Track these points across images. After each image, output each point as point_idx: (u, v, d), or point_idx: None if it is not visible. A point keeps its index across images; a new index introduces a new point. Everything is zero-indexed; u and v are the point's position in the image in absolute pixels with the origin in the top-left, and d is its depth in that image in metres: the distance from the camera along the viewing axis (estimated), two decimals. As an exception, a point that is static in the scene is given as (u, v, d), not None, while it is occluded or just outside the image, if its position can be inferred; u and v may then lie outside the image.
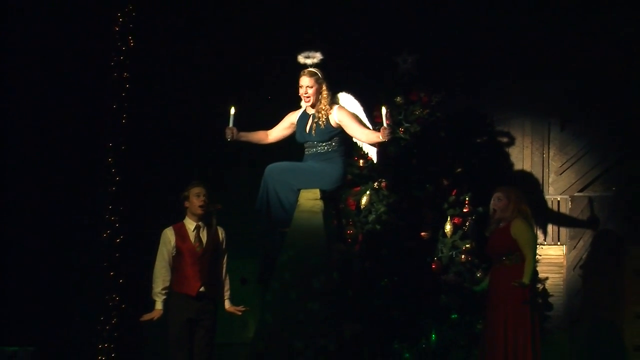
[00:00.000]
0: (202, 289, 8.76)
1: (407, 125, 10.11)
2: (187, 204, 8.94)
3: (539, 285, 9.71)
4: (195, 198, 8.89)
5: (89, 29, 10.87)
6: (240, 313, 9.05)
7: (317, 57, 8.60)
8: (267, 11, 10.84)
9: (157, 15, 11.03)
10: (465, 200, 9.99)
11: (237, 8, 10.92)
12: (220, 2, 10.99)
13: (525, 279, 8.83)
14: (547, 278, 9.87)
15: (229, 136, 8.60)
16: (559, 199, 10.60)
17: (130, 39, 10.92)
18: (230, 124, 8.57)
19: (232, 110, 8.57)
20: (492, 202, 9.18)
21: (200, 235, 8.91)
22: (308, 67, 8.59)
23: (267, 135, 8.86)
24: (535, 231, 9.40)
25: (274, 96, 10.02)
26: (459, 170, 10.13)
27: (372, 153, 8.87)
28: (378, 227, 9.90)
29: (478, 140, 10.59)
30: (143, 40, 10.98)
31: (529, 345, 8.84)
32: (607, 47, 10.40)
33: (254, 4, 10.87)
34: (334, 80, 8.66)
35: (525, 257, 8.93)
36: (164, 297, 8.84)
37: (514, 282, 8.82)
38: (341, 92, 8.72)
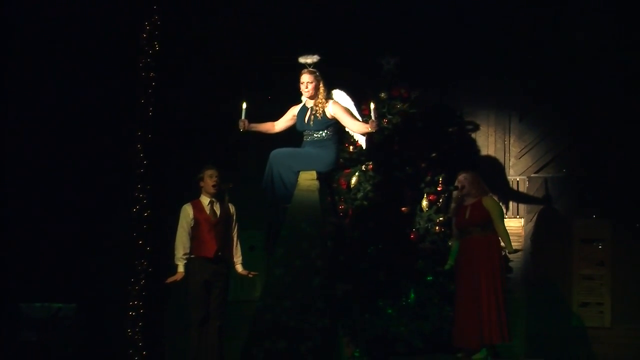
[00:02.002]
0: (219, 252, 8.84)
1: (389, 117, 10.11)
2: (202, 183, 9.04)
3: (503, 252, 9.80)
4: (209, 178, 8.99)
5: (122, 36, 10.88)
6: (251, 276, 9.12)
7: (315, 58, 8.64)
8: (272, 22, 10.85)
9: (178, 24, 11.04)
10: (439, 180, 10.01)
11: (247, 20, 10.94)
12: (231, 13, 11.02)
13: (509, 247, 9.07)
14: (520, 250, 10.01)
15: (242, 127, 8.64)
16: (518, 179, 10.64)
17: (156, 44, 10.93)
18: (243, 117, 8.62)
19: (244, 105, 8.60)
20: (459, 180, 9.30)
21: (214, 208, 9.01)
22: (308, 67, 8.65)
23: (273, 125, 8.91)
24: (499, 206, 9.55)
25: (278, 92, 10.04)
26: (433, 155, 10.15)
27: (362, 141, 8.96)
28: (365, 203, 9.94)
29: (449, 130, 10.59)
30: (167, 44, 11.00)
31: (502, 303, 9.00)
32: (559, 52, 10.43)
33: (261, 17, 10.90)
34: (329, 78, 8.71)
35: (497, 228, 9.10)
36: (185, 261, 8.93)
37: (507, 253, 9.15)
38: (335, 88, 8.77)
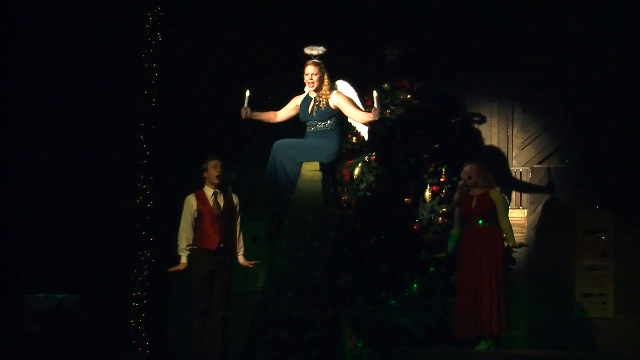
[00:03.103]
0: (221, 244, 8.80)
1: (392, 107, 10.11)
2: (205, 174, 9.00)
3: (506, 244, 9.78)
4: (213, 169, 8.95)
5: (125, 27, 10.86)
6: (252, 266, 9.10)
7: (320, 49, 8.58)
8: (276, 11, 10.83)
9: (181, 14, 11.01)
10: (442, 171, 10.04)
11: (250, 8, 10.93)
12: (235, 4, 10.99)
13: (512, 241, 9.13)
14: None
15: (244, 115, 8.60)
16: (521, 170, 10.60)
17: (159, 35, 10.90)
18: (245, 104, 8.58)
19: (247, 93, 8.56)
20: (466, 171, 9.33)
21: (218, 200, 8.97)
22: (313, 58, 8.58)
23: (275, 115, 8.86)
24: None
25: (281, 83, 9.99)
26: (436, 146, 10.15)
27: (364, 132, 8.87)
28: (368, 194, 9.94)
29: (452, 121, 10.53)
30: (169, 35, 10.97)
31: (502, 295, 9.01)
32: (561, 43, 10.39)
33: (265, 8, 10.87)
34: (333, 69, 8.64)
35: (502, 222, 9.19)
36: (188, 252, 8.90)
37: (512, 248, 9.23)
38: (339, 79, 8.71)
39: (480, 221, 9.22)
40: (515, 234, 9.47)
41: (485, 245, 9.15)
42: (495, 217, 9.24)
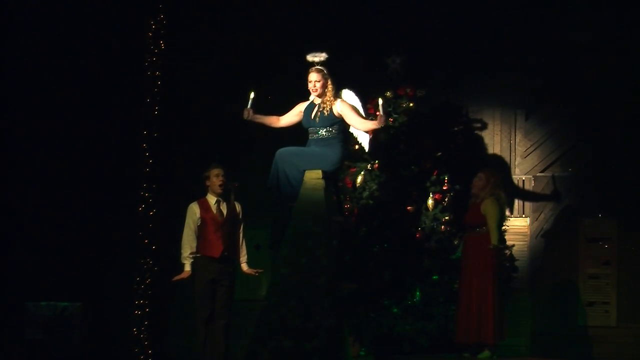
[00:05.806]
0: (225, 252, 8.84)
1: (395, 115, 10.13)
2: (208, 182, 9.00)
3: (507, 252, 9.81)
4: (215, 178, 8.96)
5: (128, 35, 10.92)
6: (255, 274, 9.12)
7: (323, 56, 8.61)
8: (279, 21, 10.88)
9: (183, 23, 11.06)
10: (444, 179, 10.03)
11: (253, 19, 10.97)
12: (238, 13, 11.04)
13: (494, 241, 9.06)
14: (513, 245, 9.95)
15: (246, 116, 8.58)
16: (524, 178, 10.65)
17: (161, 43, 10.96)
18: (248, 106, 8.59)
19: (252, 94, 8.57)
20: (474, 179, 9.38)
21: (221, 207, 8.98)
22: (316, 65, 8.64)
23: (278, 120, 8.85)
24: (504, 210, 9.50)
25: (285, 87, 10.03)
26: (439, 154, 10.17)
27: (365, 143, 8.90)
28: (371, 202, 9.96)
29: (455, 129, 10.59)
30: (172, 43, 11.03)
31: (496, 302, 9.01)
32: (565, 50, 10.45)
33: (268, 16, 10.92)
34: (337, 77, 8.69)
35: (489, 226, 9.12)
36: (192, 260, 8.89)
37: (489, 246, 9.04)
38: (344, 88, 8.76)
39: (474, 229, 9.29)
40: (517, 242, 9.52)
41: (475, 253, 9.18)
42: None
